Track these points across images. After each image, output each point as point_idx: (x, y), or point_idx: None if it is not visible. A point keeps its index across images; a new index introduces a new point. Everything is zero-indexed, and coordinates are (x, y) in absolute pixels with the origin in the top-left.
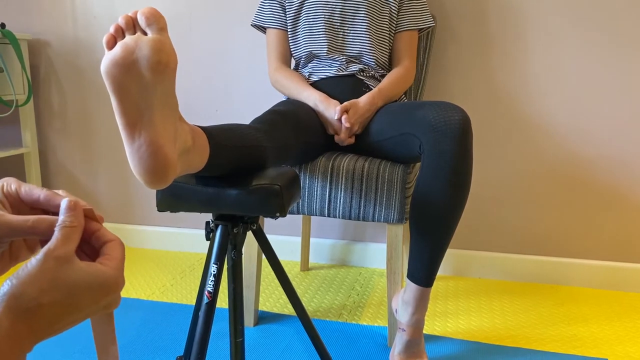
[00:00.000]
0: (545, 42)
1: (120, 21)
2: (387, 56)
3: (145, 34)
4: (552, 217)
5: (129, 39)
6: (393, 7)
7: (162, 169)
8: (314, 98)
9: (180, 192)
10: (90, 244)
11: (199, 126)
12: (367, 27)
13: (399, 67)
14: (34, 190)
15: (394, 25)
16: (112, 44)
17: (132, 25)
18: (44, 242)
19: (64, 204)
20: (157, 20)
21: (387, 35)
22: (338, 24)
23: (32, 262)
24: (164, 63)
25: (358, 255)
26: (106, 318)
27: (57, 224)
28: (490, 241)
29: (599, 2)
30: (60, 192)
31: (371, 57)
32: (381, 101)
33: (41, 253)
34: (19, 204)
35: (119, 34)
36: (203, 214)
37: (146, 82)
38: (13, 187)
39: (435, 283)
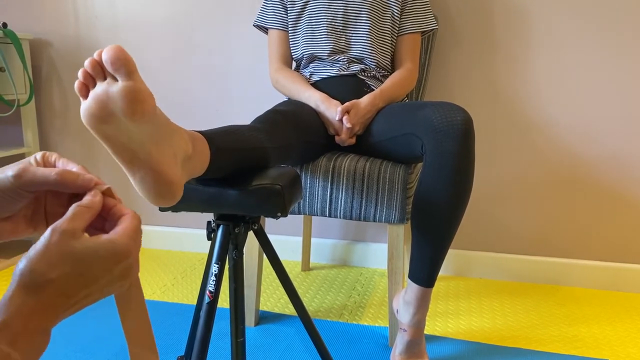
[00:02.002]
0: (547, 43)
1: (87, 66)
2: (389, 59)
3: (115, 78)
4: (553, 217)
5: (99, 89)
6: (395, 10)
7: (168, 193)
8: (315, 98)
9: None
10: (108, 221)
11: (198, 131)
12: (368, 29)
13: (401, 69)
14: (68, 165)
15: (396, 28)
16: (84, 92)
17: (100, 69)
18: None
19: (88, 194)
20: (124, 64)
21: (389, 38)
22: (340, 27)
23: (41, 239)
24: (139, 112)
25: (359, 256)
26: (128, 292)
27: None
28: (491, 241)
29: (601, 4)
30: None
31: (373, 59)
32: (382, 102)
33: (48, 230)
34: None
35: (89, 80)
36: (204, 213)
37: (129, 127)
38: (52, 158)
39: (436, 283)
